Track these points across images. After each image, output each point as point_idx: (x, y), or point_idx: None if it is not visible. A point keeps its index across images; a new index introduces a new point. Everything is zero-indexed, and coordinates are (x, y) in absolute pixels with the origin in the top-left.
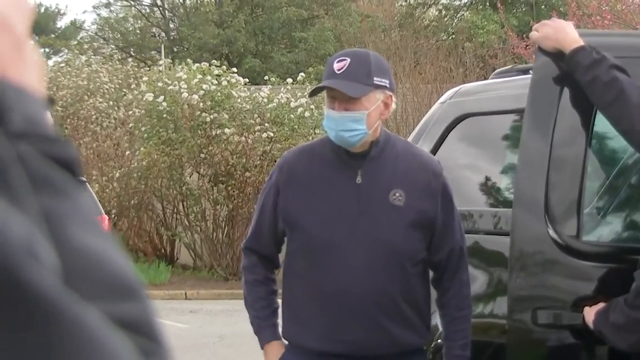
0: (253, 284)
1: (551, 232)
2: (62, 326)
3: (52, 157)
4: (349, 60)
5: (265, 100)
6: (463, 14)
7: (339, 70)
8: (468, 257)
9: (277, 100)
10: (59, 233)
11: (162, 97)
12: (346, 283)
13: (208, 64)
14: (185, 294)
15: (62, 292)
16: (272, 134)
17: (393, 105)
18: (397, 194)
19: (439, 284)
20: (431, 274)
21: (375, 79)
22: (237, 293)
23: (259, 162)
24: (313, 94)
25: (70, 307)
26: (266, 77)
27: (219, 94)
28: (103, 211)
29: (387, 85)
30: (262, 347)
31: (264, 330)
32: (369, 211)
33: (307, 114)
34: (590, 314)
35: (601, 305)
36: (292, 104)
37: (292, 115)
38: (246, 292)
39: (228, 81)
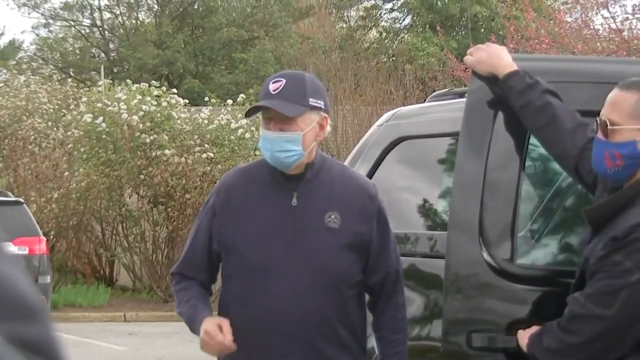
0: (187, 287)
1: (485, 255)
2: None
3: None
4: (284, 81)
5: (206, 121)
6: (403, 37)
7: (274, 90)
8: (404, 280)
9: (218, 122)
10: None
11: (101, 118)
12: (282, 305)
13: (147, 85)
14: (124, 316)
15: None
16: (212, 155)
17: (328, 128)
18: (333, 217)
19: (375, 307)
20: (367, 296)
21: (310, 100)
22: (177, 315)
23: (199, 184)
24: (249, 114)
25: None
26: (206, 98)
27: (158, 114)
28: (41, 232)
29: (323, 107)
30: (199, 326)
31: (200, 311)
32: (304, 233)
33: (247, 135)
34: (524, 337)
35: (535, 328)
36: (233, 125)
37: (232, 137)
38: (180, 295)
39: (168, 102)
